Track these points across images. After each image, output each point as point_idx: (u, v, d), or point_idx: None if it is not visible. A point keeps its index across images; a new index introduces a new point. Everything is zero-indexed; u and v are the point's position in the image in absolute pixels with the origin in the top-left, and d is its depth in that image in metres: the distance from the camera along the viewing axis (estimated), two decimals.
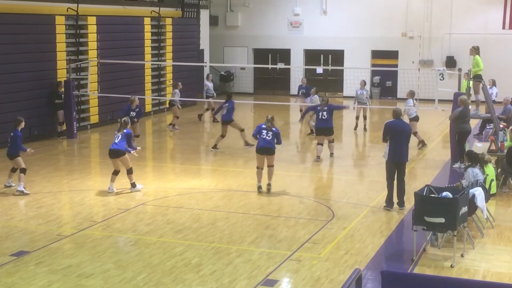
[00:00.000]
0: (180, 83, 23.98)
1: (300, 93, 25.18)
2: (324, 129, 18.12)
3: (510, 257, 10.90)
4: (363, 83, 23.12)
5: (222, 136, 19.66)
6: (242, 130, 19.88)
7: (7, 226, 12.30)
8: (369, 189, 15.40)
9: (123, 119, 15.07)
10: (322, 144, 18.21)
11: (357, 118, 22.98)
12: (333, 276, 9.95)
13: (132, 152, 14.88)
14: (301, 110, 25.49)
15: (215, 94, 26.63)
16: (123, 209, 13.44)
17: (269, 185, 14.78)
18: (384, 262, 10.82)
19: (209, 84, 26.05)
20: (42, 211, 13.29)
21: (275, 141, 14.74)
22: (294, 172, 17.14)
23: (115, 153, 14.54)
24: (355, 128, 22.96)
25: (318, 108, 18.32)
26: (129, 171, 14.63)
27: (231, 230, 12.15)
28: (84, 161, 19.01)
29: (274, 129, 14.71)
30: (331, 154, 18.43)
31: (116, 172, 14.67)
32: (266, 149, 14.65)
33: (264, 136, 14.63)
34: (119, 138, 14.57)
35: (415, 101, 20.67)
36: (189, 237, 11.70)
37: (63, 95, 21.37)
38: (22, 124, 15.02)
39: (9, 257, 10.63)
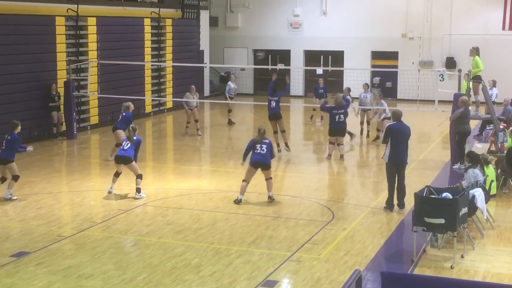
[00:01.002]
0: (193, 86, 22.71)
1: (317, 93, 25.02)
2: (340, 129, 18.25)
3: (510, 258, 10.90)
4: (366, 86, 22.70)
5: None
6: (283, 131, 19.30)
7: (7, 227, 12.30)
8: (369, 190, 15.40)
9: (131, 126, 14.72)
10: (334, 144, 18.36)
11: (362, 123, 22.27)
12: (333, 277, 9.96)
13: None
14: (314, 110, 25.43)
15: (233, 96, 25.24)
16: (123, 210, 13.44)
17: (270, 197, 14.02)
18: (384, 263, 10.82)
19: (232, 85, 24.90)
20: (42, 212, 13.29)
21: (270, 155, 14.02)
22: (294, 173, 17.13)
23: (122, 160, 14.31)
24: (361, 133, 22.14)
25: (334, 111, 18.16)
26: (139, 177, 14.34)
27: (231, 231, 12.15)
28: (84, 162, 19.00)
29: (267, 141, 13.99)
30: (342, 156, 18.22)
31: (117, 174, 14.56)
32: (261, 164, 13.88)
33: (258, 151, 13.85)
34: (128, 145, 14.32)
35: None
36: (189, 238, 11.70)
37: (56, 97, 21.31)
38: (19, 128, 14.43)
39: (9, 258, 10.62)
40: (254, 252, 10.97)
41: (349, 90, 22.23)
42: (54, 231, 12.05)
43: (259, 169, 14.01)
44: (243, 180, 13.99)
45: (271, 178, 14.11)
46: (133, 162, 14.33)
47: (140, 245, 11.42)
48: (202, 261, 10.53)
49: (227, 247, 11.25)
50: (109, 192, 14.47)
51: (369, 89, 23.16)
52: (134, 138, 14.41)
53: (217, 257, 10.75)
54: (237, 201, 13.90)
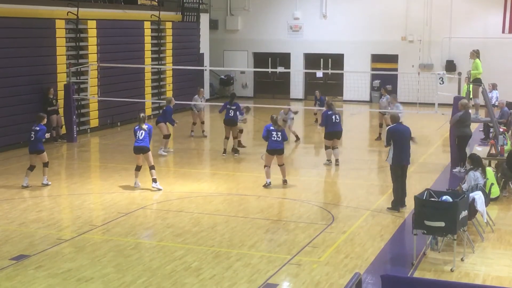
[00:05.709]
0: (202, 89, 23.57)
1: (316, 103, 25.13)
2: (337, 132, 18.09)
3: (510, 261, 10.89)
4: (384, 90, 22.20)
5: None
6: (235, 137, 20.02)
7: (7, 230, 12.29)
8: (369, 193, 15.40)
9: (141, 114, 15.42)
10: (331, 148, 18.18)
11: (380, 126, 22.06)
12: (333, 280, 9.95)
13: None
14: (315, 114, 25.61)
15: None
16: (123, 213, 13.44)
17: (285, 181, 15.68)
18: (384, 266, 10.80)
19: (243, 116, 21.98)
20: (42, 215, 13.29)
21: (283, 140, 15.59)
22: (293, 176, 17.11)
23: (141, 150, 15.08)
24: (380, 137, 21.75)
25: (329, 112, 17.90)
26: (152, 167, 15.16)
27: (231, 234, 12.14)
28: (83, 165, 19.00)
29: (281, 129, 15.58)
30: (337, 161, 18.09)
31: (138, 168, 15.27)
32: (277, 150, 15.49)
33: (274, 138, 15.39)
34: (143, 134, 15.02)
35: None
36: (189, 241, 11.70)
37: (54, 101, 21.29)
38: (45, 120, 15.60)
39: (9, 261, 10.62)
40: (254, 255, 10.97)
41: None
42: (54, 234, 12.04)
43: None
44: (265, 166, 15.64)
45: (283, 164, 15.75)
46: (149, 152, 15.13)
47: (140, 248, 11.41)
48: (202, 264, 10.53)
49: (227, 250, 11.25)
50: (136, 187, 15.23)
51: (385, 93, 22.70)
52: (146, 126, 15.11)
53: (217, 260, 10.74)
54: (267, 185, 15.48)
